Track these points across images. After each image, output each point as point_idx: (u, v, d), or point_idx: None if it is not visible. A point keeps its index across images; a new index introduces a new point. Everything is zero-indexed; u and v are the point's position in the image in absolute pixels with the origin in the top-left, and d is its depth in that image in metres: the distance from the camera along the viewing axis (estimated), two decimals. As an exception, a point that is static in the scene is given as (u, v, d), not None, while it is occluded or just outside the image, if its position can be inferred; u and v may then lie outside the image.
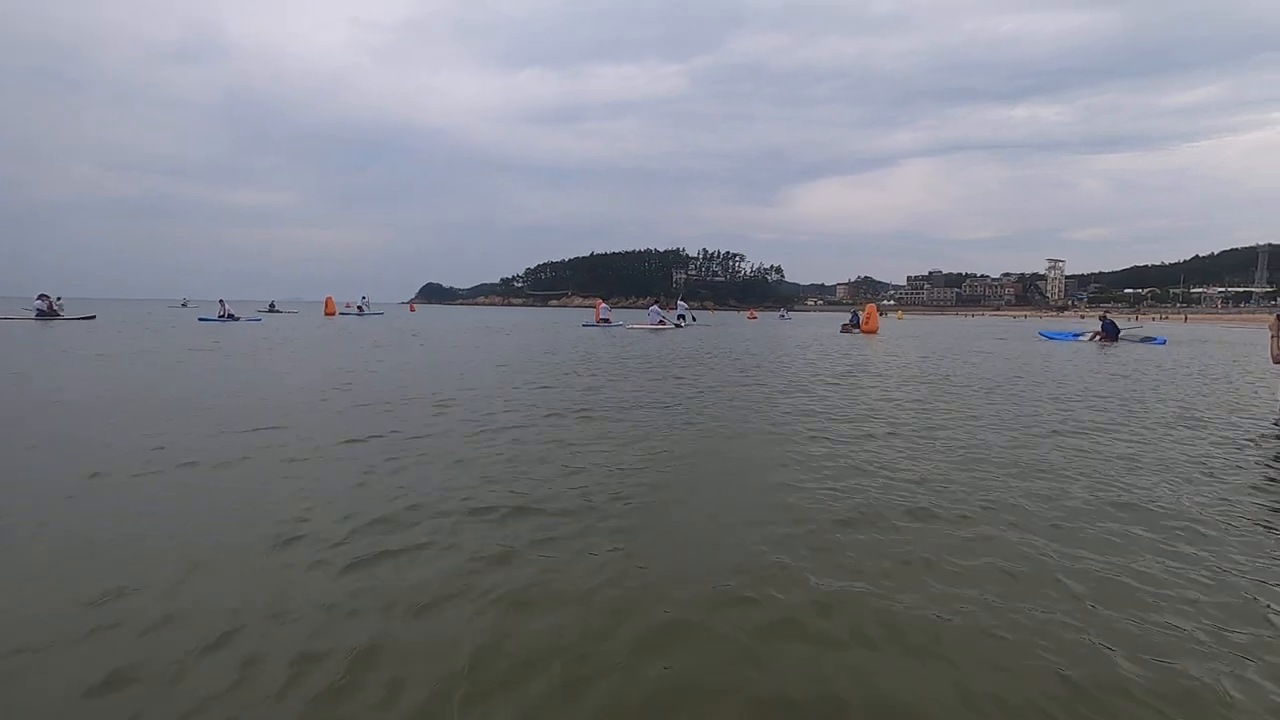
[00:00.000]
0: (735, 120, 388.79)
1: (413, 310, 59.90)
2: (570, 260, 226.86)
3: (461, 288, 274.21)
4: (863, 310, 28.94)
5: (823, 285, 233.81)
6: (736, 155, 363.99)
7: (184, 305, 53.00)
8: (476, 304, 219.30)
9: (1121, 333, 21.99)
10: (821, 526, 3.35)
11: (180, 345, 17.33)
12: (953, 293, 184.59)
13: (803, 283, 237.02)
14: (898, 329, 35.62)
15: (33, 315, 30.36)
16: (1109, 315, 24.88)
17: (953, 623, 2.37)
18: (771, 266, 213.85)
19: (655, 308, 31.12)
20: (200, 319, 35.36)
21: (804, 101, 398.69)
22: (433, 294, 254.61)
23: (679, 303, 40.96)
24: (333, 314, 48.09)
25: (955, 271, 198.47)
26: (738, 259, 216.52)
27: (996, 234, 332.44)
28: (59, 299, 32.06)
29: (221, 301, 36.54)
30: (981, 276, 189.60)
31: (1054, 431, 5.93)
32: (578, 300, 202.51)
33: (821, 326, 40.12)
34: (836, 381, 9.77)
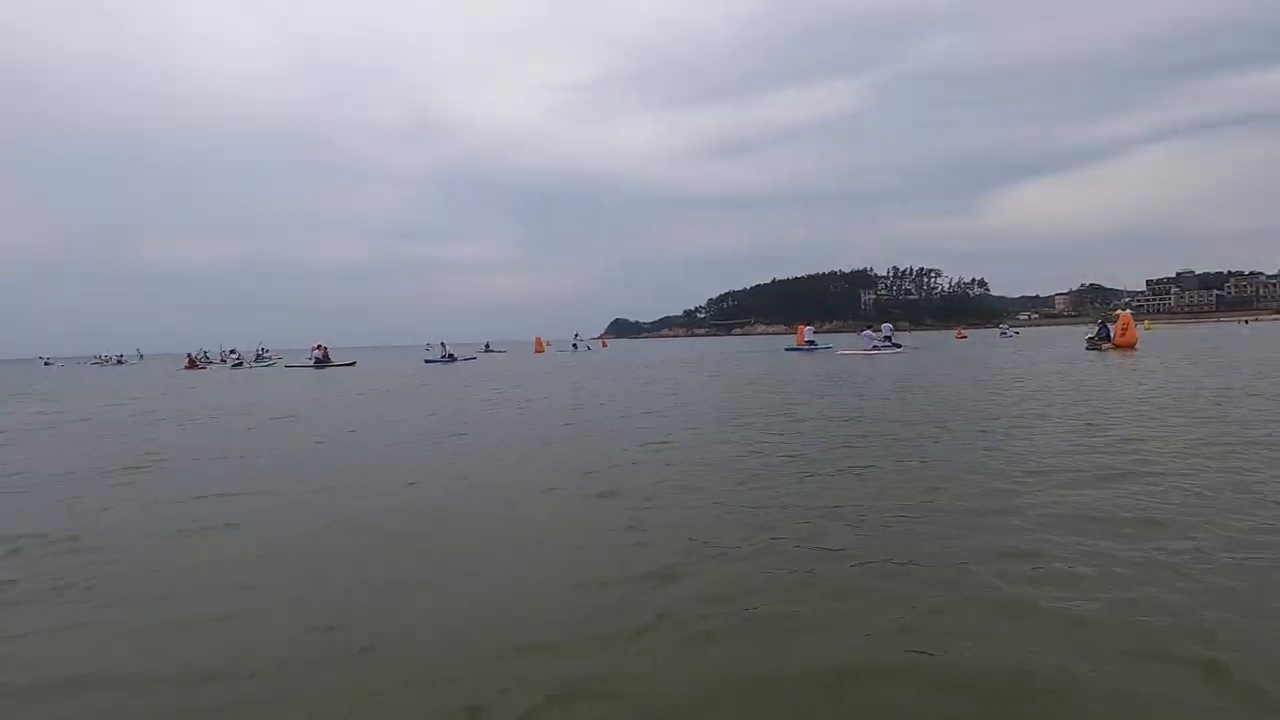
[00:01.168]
0: (921, 129, 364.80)
1: (605, 346, 63.87)
2: (752, 288, 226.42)
3: (646, 321, 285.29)
4: (1113, 321, 25.66)
5: (1036, 297, 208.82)
6: (924, 165, 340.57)
7: (428, 349, 60.45)
8: (661, 336, 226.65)
9: None
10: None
11: (450, 382, 20.44)
12: (1212, 295, 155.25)
13: (1010, 295, 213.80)
14: (1158, 342, 30.89)
15: (311, 363, 37.21)
16: None
17: None
18: (973, 280, 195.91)
19: (869, 331, 29.93)
20: (426, 360, 39.40)
21: (999, 100, 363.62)
22: (620, 329, 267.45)
23: (883, 325, 39.25)
24: (541, 351, 52.93)
25: (1212, 270, 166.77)
26: (933, 274, 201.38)
27: (1267, 223, 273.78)
28: (317, 347, 38.35)
29: (442, 344, 40.28)
30: (1251, 274, 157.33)
31: None
32: (760, 328, 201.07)
33: (1055, 344, 35.99)
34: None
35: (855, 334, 36.23)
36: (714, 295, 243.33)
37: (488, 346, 59.60)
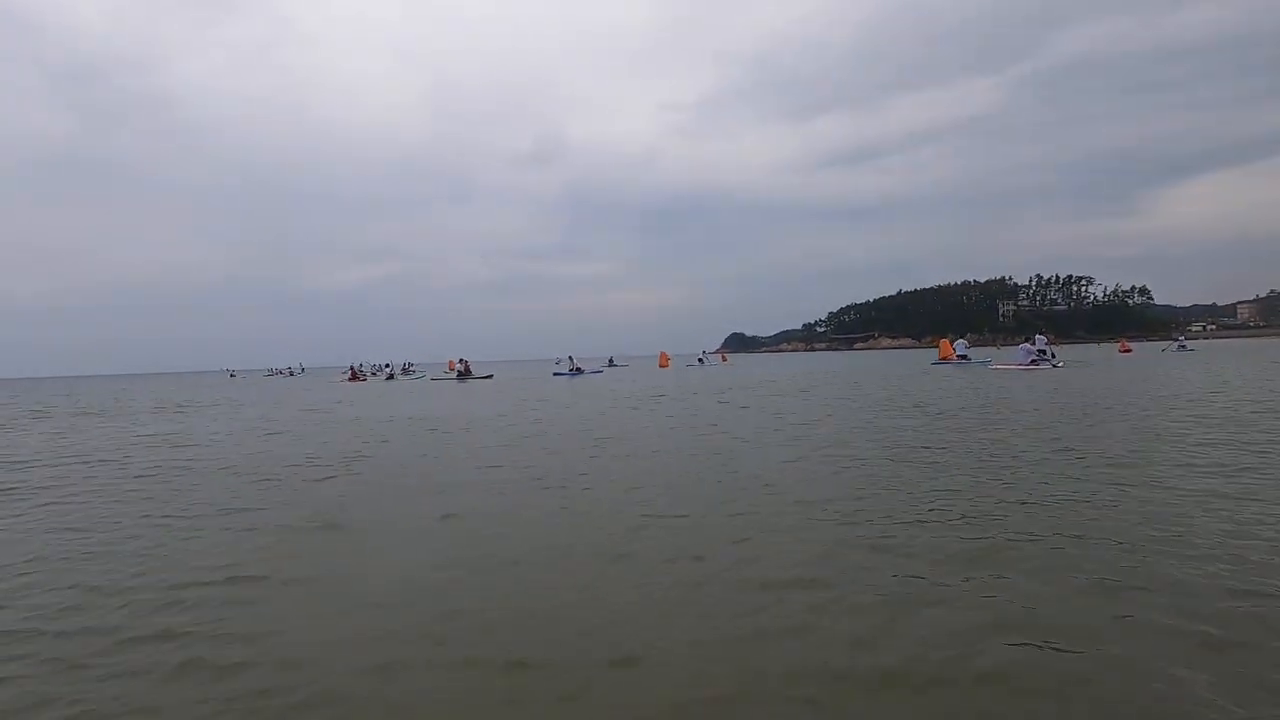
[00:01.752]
0: (1067, 124, 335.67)
1: (725, 360, 63.33)
2: (875, 300, 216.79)
3: (764, 336, 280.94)
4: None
5: (1213, 306, 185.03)
6: (1071, 164, 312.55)
7: (558, 363, 62.54)
8: (780, 351, 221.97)
9: None
10: None
11: (596, 394, 21.12)
12: None
13: (1179, 304, 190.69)
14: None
15: (454, 376, 39.76)
16: None
17: None
18: (1133, 287, 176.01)
19: (1027, 345, 27.72)
20: (554, 374, 41.82)
21: (1159, 87, 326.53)
22: (737, 343, 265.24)
23: (1037, 337, 36.07)
24: (665, 366, 53.44)
25: None
26: (1084, 282, 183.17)
27: None
28: (460, 361, 40.94)
29: (570, 358, 42.98)
30: None
31: None
32: (885, 341, 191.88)
33: (1249, 358, 31.46)
34: None
35: (994, 347, 33.70)
36: (834, 308, 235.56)
37: (611, 361, 60.92)
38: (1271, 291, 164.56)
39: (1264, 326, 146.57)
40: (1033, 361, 26.70)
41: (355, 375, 46.00)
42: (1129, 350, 53.80)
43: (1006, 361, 27.84)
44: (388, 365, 47.18)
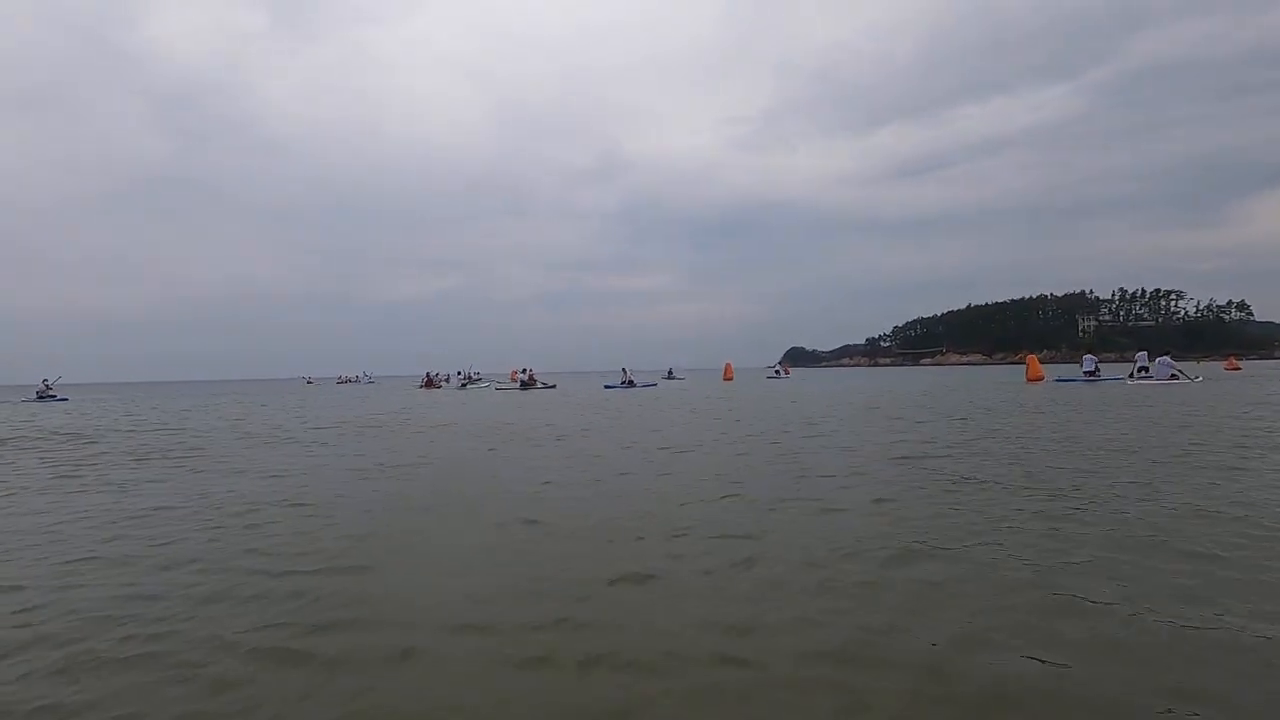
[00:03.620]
0: (1148, 131, 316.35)
1: (788, 374, 61.80)
2: (943, 315, 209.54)
3: (824, 350, 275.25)
4: None
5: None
6: (1154, 173, 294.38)
7: (670, 375, 60.85)
8: (841, 365, 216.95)
9: None
10: None
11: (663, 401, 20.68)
12: None
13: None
14: None
15: (517, 387, 39.99)
16: None
17: None
18: (1229, 302, 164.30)
19: (1165, 358, 25.82)
20: (605, 386, 40.08)
21: (1251, 89, 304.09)
22: (796, 358, 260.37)
23: (1139, 354, 33.42)
24: (730, 379, 52.30)
25: None
26: (1173, 297, 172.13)
27: None
28: (523, 371, 40.88)
29: (624, 369, 40.61)
30: None
31: None
32: (954, 357, 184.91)
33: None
34: None
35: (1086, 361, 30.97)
36: (899, 323, 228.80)
37: (670, 373, 60.40)
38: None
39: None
40: (1171, 377, 25.15)
41: (430, 383, 47.17)
42: (1237, 368, 49.83)
43: (1146, 378, 25.80)
44: (460, 373, 48.11)
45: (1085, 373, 30.53)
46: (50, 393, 35.76)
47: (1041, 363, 33.16)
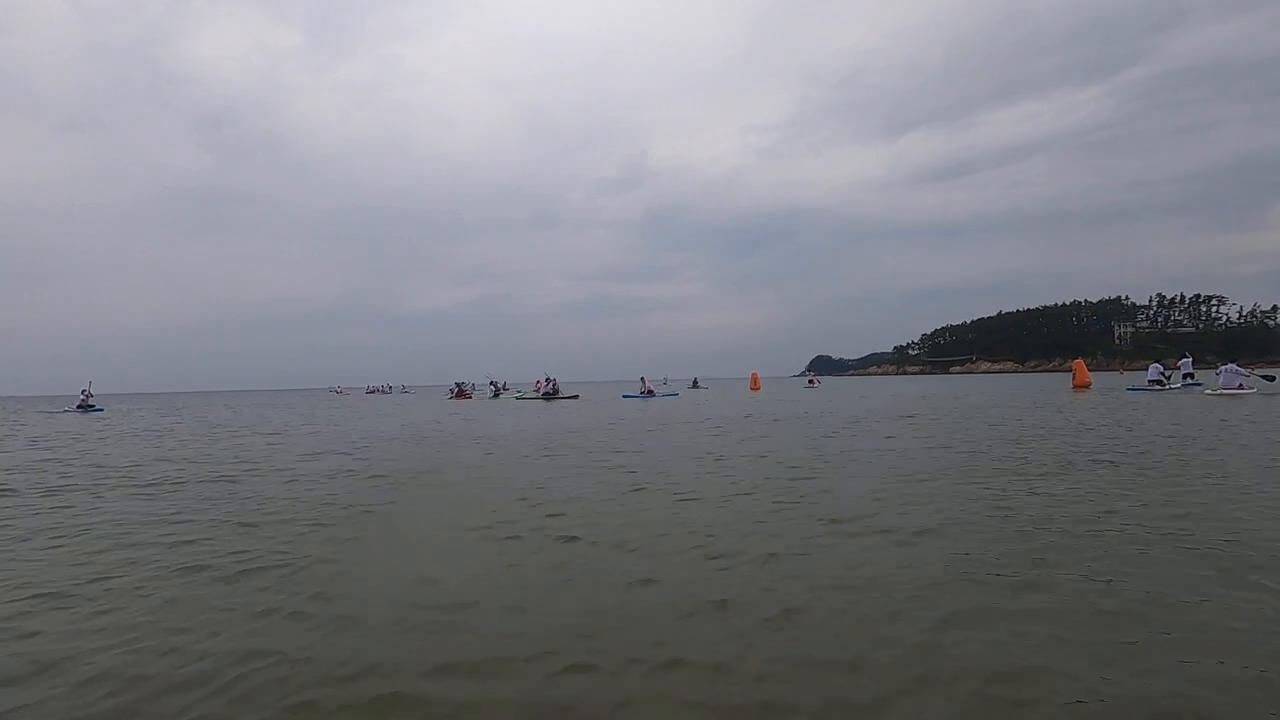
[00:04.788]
0: (1186, 133, 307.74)
1: (816, 383, 60.64)
2: (973, 322, 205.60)
3: (851, 358, 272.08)
4: None
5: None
6: (1192, 176, 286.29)
7: (695, 385, 60.63)
8: (868, 374, 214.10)
9: None
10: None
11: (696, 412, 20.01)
12: None
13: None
14: None
15: (539, 395, 39.33)
16: None
17: None
18: (1274, 307, 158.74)
19: (1234, 365, 24.56)
20: (624, 395, 39.06)
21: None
22: (822, 366, 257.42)
23: (1183, 360, 32.00)
24: (757, 389, 51.00)
25: None
26: (1214, 302, 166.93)
27: None
28: (546, 381, 39.92)
29: (642, 379, 39.66)
30: None
31: None
32: (985, 365, 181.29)
33: None
34: None
35: (1118, 372, 30.05)
36: (926, 330, 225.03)
37: (695, 382, 59.60)
38: None
39: None
40: (1239, 385, 24.01)
41: (461, 392, 47.04)
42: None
43: (1222, 387, 24.63)
44: (493, 384, 47.99)
45: (1150, 381, 29.54)
46: (90, 403, 36.13)
47: (1193, 363, 31.35)
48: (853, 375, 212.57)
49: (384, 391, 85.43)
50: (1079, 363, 36.60)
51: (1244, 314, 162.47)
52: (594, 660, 2.93)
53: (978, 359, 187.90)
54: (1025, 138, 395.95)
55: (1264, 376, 25.37)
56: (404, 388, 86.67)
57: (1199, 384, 28.44)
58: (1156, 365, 30.92)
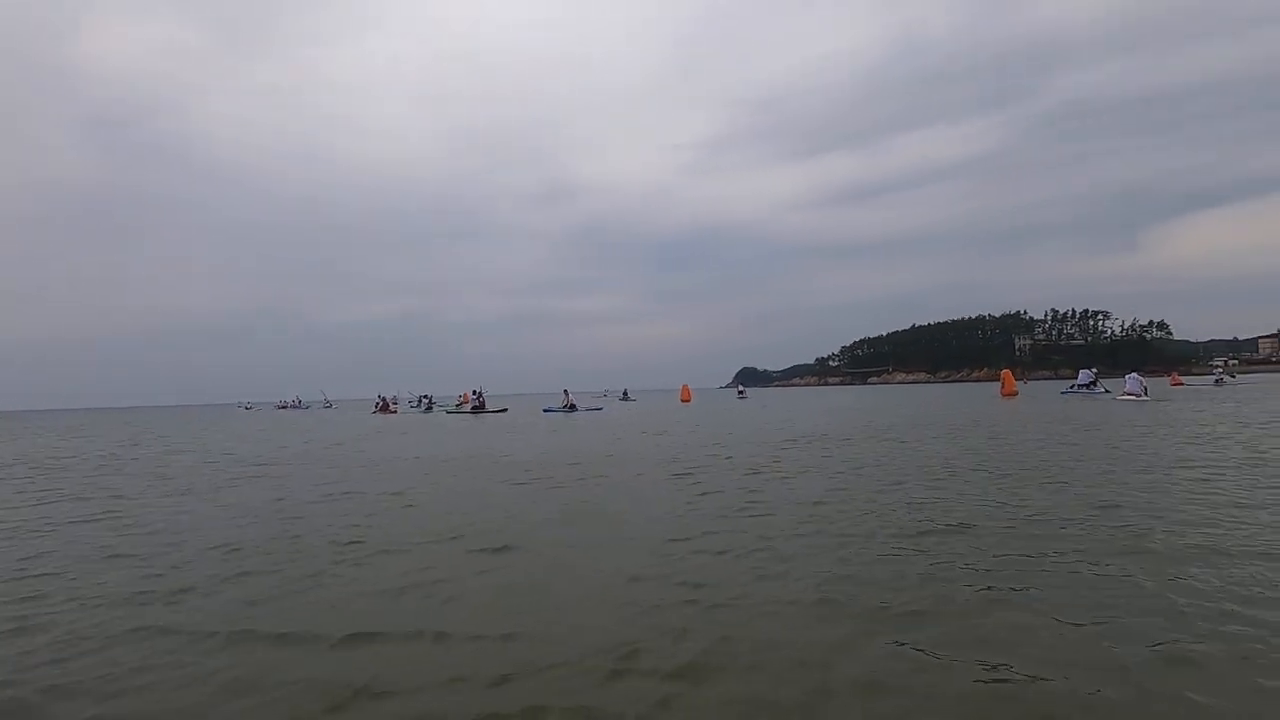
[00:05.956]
0: (1075, 162, 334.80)
1: (746, 395, 61.27)
2: (889, 334, 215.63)
3: (775, 370, 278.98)
4: None
5: (1233, 340, 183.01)
6: (1080, 201, 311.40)
7: (625, 397, 59.66)
8: (792, 385, 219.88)
9: None
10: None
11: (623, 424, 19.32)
12: None
13: (1196, 339, 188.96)
14: None
15: (468, 409, 37.37)
16: None
17: None
18: (1150, 322, 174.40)
19: (1135, 375, 26.93)
20: (545, 410, 35.79)
21: (1164, 127, 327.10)
22: (749, 378, 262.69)
23: (1083, 371, 35.15)
24: (688, 400, 50.52)
25: None
26: (1101, 317, 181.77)
27: None
28: (475, 394, 37.73)
29: (565, 391, 36.84)
30: None
31: None
32: (900, 376, 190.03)
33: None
34: None
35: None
36: (846, 343, 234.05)
37: (625, 394, 58.79)
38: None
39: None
40: (1142, 392, 26.50)
41: (385, 406, 44.24)
42: (1181, 383, 51.90)
43: (1127, 391, 27.46)
44: (423, 398, 45.38)
45: (1080, 385, 32.43)
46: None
47: (981, 380, 35.52)
48: (778, 386, 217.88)
49: (296, 406, 79.99)
50: (1007, 373, 38.28)
51: (1125, 328, 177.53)
52: None
53: (894, 370, 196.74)
54: (932, 162, 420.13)
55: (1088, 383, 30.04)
56: (326, 402, 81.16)
57: (1106, 391, 31.21)
58: (1086, 371, 33.67)
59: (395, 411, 43.38)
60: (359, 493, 8.72)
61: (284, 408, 79.39)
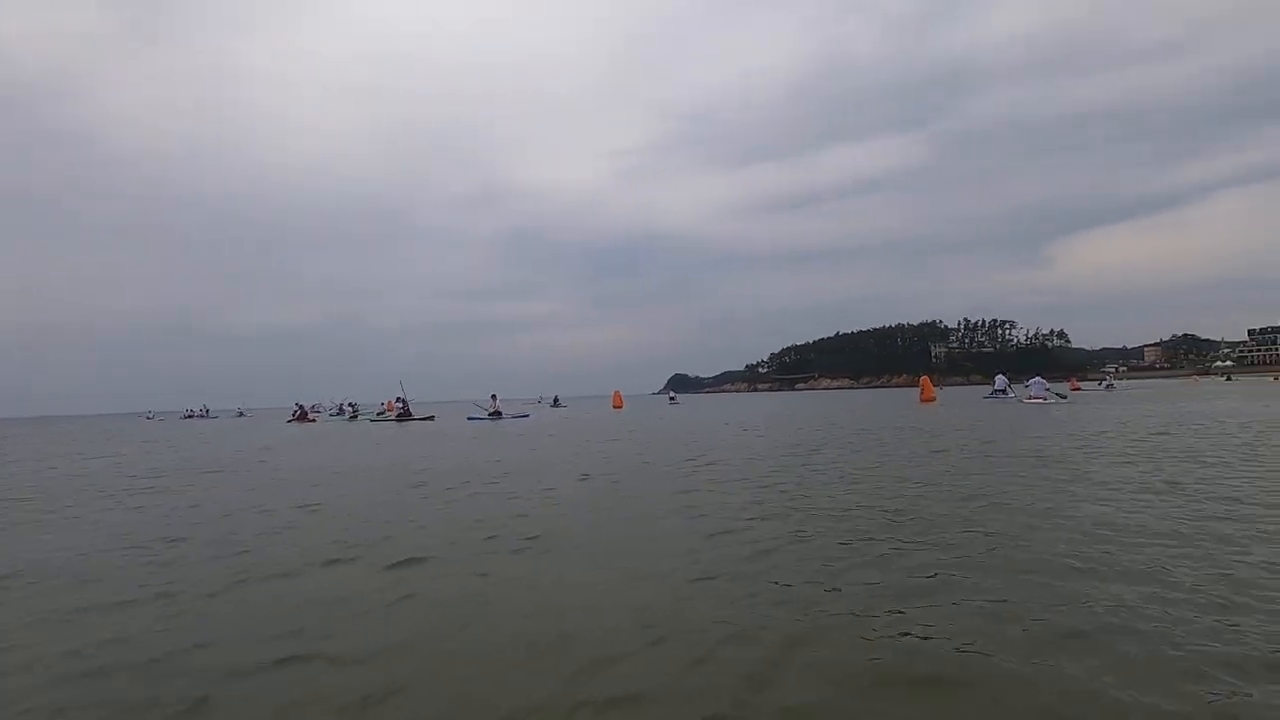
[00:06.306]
0: (987, 180, 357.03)
1: (678, 401, 61.70)
2: (815, 342, 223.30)
3: (706, 376, 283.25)
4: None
5: (1124, 349, 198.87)
6: (991, 217, 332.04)
7: (556, 403, 58.79)
8: (723, 391, 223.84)
9: None
10: None
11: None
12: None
13: (1091, 348, 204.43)
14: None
15: (393, 417, 35.58)
16: None
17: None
18: (1051, 331, 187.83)
19: (1039, 379, 29.05)
20: (469, 419, 33.31)
21: (1066, 149, 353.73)
22: (680, 384, 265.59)
23: (998, 377, 37.46)
24: (620, 407, 49.85)
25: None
26: (1008, 326, 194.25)
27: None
28: (399, 401, 36.23)
29: (493, 396, 34.64)
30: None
31: None
32: (825, 382, 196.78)
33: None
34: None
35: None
36: (774, 349, 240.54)
37: (556, 400, 58.10)
38: (1174, 335, 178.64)
39: (1169, 368, 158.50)
40: (1045, 396, 28.56)
41: (303, 415, 42.02)
42: (1079, 388, 55.95)
43: (1032, 396, 29.86)
44: (347, 405, 43.34)
45: (997, 391, 34.50)
46: None
47: (901, 386, 37.90)
48: (708, 393, 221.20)
49: (203, 415, 75.04)
50: (926, 380, 39.82)
51: (1030, 336, 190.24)
52: None
53: (819, 376, 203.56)
54: (855, 175, 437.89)
55: (1058, 395, 31.43)
56: (240, 411, 76.31)
57: (1012, 395, 33.77)
58: (1002, 377, 35.81)
59: (314, 420, 41.30)
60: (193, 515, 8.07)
61: (190, 417, 74.33)
